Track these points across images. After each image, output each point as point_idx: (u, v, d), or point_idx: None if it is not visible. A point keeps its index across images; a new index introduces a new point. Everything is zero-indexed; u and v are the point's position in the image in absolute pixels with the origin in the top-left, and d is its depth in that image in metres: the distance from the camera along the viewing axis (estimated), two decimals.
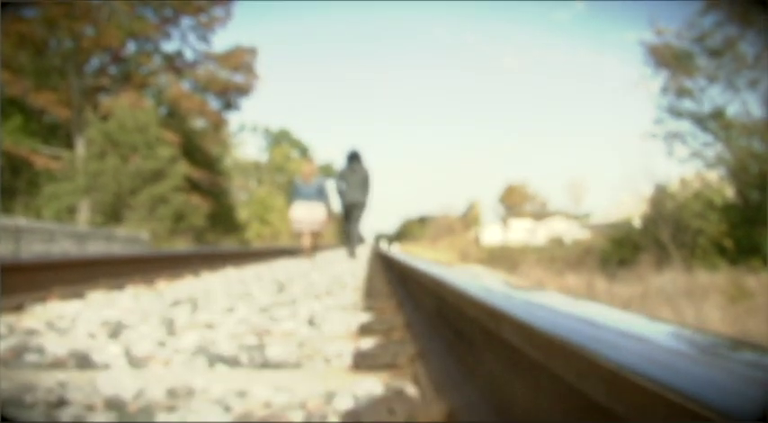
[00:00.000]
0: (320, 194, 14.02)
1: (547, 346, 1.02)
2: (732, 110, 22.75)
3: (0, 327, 3.23)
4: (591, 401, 0.85)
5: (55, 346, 2.73)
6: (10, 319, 3.57)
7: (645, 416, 0.70)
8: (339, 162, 15.46)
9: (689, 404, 0.63)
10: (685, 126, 24.16)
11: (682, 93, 23.86)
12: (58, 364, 2.45)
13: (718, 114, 22.81)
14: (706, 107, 23.41)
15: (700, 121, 23.55)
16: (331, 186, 14.29)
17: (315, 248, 14.79)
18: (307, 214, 13.97)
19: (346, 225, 14.83)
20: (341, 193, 14.10)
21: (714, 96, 23.23)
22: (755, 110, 21.89)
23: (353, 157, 14.14)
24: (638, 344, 0.91)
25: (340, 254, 16.99)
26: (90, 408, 1.81)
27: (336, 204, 14.58)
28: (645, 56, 25.10)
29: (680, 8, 24.68)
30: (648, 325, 1.15)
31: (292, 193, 14.33)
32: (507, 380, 1.34)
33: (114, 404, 1.86)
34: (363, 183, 14.01)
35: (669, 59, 23.61)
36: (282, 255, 16.60)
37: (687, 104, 23.98)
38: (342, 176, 14.17)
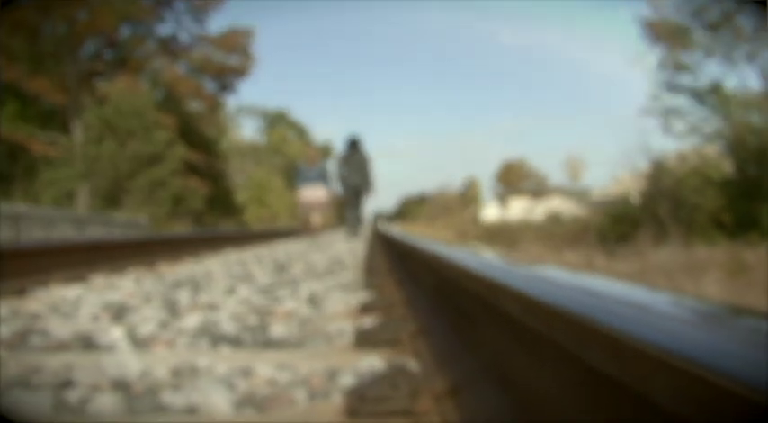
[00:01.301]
0: (323, 178, 14.66)
1: (548, 316, 1.03)
2: (730, 84, 22.68)
3: (1, 311, 3.24)
4: (595, 370, 0.85)
5: (59, 329, 2.75)
6: (13, 302, 3.58)
7: (650, 382, 0.71)
8: (337, 142, 16.19)
9: (695, 369, 0.64)
10: (682, 101, 24.10)
11: (679, 67, 23.76)
12: (62, 347, 2.47)
13: (715, 88, 22.73)
14: (703, 81, 23.33)
15: (697, 95, 23.48)
16: (332, 170, 14.87)
17: (318, 228, 15.49)
18: (311, 197, 14.64)
19: (347, 207, 15.48)
20: (342, 179, 14.71)
21: (712, 70, 23.15)
22: (753, 83, 21.85)
23: (353, 144, 14.77)
24: (640, 312, 0.92)
25: (340, 234, 17.14)
26: (96, 388, 1.83)
27: (338, 188, 15.21)
28: (641, 31, 25.00)
29: None
30: (648, 294, 1.16)
31: (297, 177, 15.00)
32: (509, 352, 1.35)
33: (120, 384, 1.88)
34: (363, 167, 14.64)
35: (666, 34, 23.50)
36: (281, 236, 16.64)
37: (684, 79, 23.90)
38: (342, 162, 14.80)
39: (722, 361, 0.64)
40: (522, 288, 1.24)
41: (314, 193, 14.84)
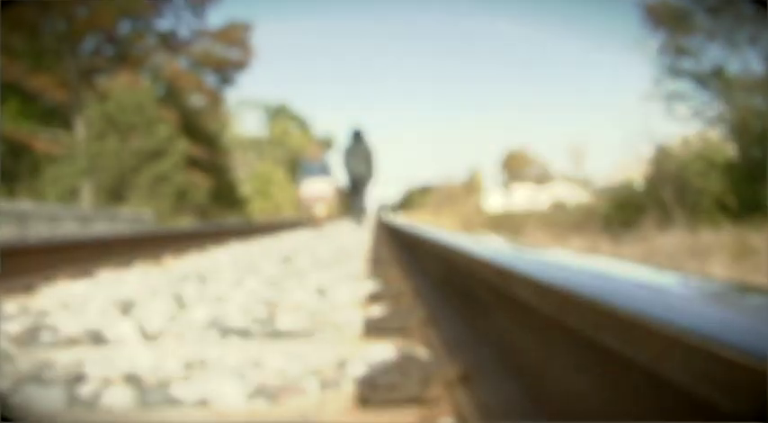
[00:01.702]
0: (325, 172, 15.26)
1: (561, 300, 1.03)
2: (732, 67, 22.57)
3: (10, 308, 3.25)
4: (610, 351, 0.86)
5: (68, 324, 2.75)
6: (21, 299, 3.59)
7: (666, 360, 0.71)
8: (338, 133, 16.98)
9: (710, 346, 0.64)
10: (685, 85, 24.02)
11: (680, 51, 23.66)
12: (72, 342, 2.48)
13: (718, 72, 22.63)
14: (705, 65, 23.23)
15: (699, 79, 23.40)
16: (335, 163, 15.94)
17: (323, 220, 16.11)
18: (314, 190, 15.27)
19: (351, 198, 16.46)
20: (347, 169, 15.70)
21: (714, 54, 23.04)
22: (756, 66, 21.74)
23: (357, 135, 15.77)
24: (651, 292, 0.92)
25: (345, 226, 17.23)
26: (108, 382, 1.84)
27: (342, 179, 16.28)
28: (642, 15, 24.90)
29: None
30: (657, 275, 1.16)
31: (300, 172, 15.66)
32: (522, 338, 1.35)
33: (131, 378, 1.89)
34: (367, 158, 15.60)
35: (667, 18, 23.40)
36: (286, 228, 16.69)
37: (686, 63, 23.82)
38: (346, 153, 15.78)
39: (735, 336, 0.64)
40: (531, 272, 1.24)
41: (317, 187, 15.39)
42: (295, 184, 17.34)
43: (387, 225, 10.70)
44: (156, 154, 27.38)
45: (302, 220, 17.96)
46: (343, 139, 16.91)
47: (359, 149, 15.63)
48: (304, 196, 15.82)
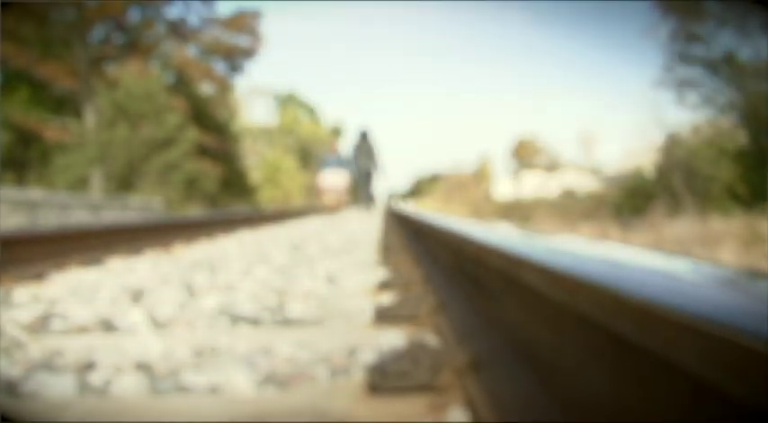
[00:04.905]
0: (341, 164, 17.92)
1: (571, 287, 1.03)
2: (743, 54, 22.38)
3: (21, 296, 3.26)
4: (620, 337, 0.85)
5: (79, 312, 2.76)
6: (32, 287, 3.60)
7: (676, 346, 0.71)
8: (347, 120, 19.94)
9: (720, 331, 0.64)
10: (696, 72, 23.85)
11: (691, 38, 23.49)
12: (83, 330, 2.49)
13: (729, 59, 22.45)
14: (716, 52, 23.04)
15: (710, 66, 23.23)
16: (348, 158, 19.01)
17: (338, 206, 18.33)
18: (332, 180, 17.94)
19: (360, 188, 19.10)
20: (356, 164, 18.83)
21: (725, 41, 22.84)
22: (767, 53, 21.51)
23: (363, 135, 19.03)
24: (660, 278, 0.92)
25: (355, 214, 17.43)
26: (118, 370, 1.84)
27: (353, 172, 19.22)
28: (653, 1, 24.74)
29: None
30: (667, 262, 1.16)
31: (318, 163, 18.42)
32: (533, 325, 1.35)
33: (142, 366, 1.89)
34: (371, 154, 18.80)
35: (678, 4, 23.23)
36: (295, 216, 16.72)
37: (697, 50, 23.63)
38: (355, 150, 19.03)
39: (745, 322, 0.64)
40: (543, 260, 1.24)
41: (334, 178, 17.74)
42: (313, 174, 20.58)
43: (397, 213, 10.70)
44: (166, 142, 27.38)
45: (313, 207, 18.97)
46: (352, 134, 20.00)
47: (365, 146, 18.78)
48: (322, 186, 17.66)
